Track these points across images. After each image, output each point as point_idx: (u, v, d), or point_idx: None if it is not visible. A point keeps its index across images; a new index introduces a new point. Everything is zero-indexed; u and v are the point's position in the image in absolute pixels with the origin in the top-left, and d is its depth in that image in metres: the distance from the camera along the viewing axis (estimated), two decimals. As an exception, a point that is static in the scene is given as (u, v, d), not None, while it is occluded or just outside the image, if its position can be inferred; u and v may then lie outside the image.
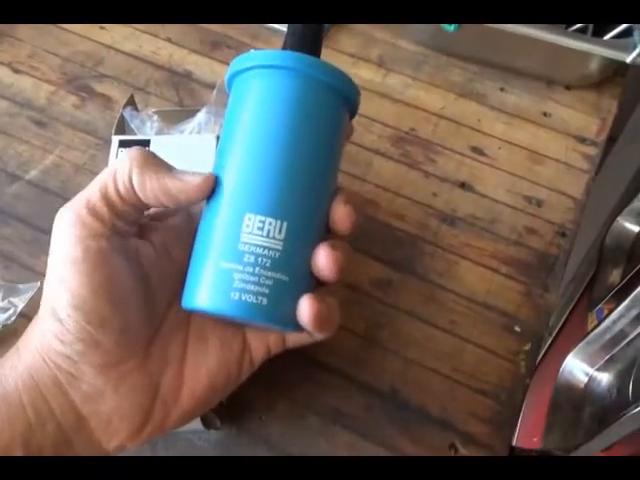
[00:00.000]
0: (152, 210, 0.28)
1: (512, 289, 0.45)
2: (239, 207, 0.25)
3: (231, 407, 0.38)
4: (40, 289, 0.42)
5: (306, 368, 0.41)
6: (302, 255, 0.26)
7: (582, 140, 0.53)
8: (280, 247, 0.25)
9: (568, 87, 0.56)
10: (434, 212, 0.49)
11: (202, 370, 0.27)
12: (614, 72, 0.56)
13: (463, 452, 0.39)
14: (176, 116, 0.45)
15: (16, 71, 0.56)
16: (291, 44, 0.28)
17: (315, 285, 0.27)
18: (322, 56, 0.29)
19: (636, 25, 0.50)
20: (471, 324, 0.43)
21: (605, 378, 0.76)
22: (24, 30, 0.59)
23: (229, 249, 0.25)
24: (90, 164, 0.50)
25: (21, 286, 0.43)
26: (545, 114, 0.55)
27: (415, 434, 0.39)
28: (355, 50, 0.58)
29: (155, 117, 0.44)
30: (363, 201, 0.49)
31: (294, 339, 0.29)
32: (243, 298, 0.25)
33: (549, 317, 0.44)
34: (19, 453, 0.24)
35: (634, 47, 0.48)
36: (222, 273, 0.25)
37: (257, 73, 0.27)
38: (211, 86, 0.55)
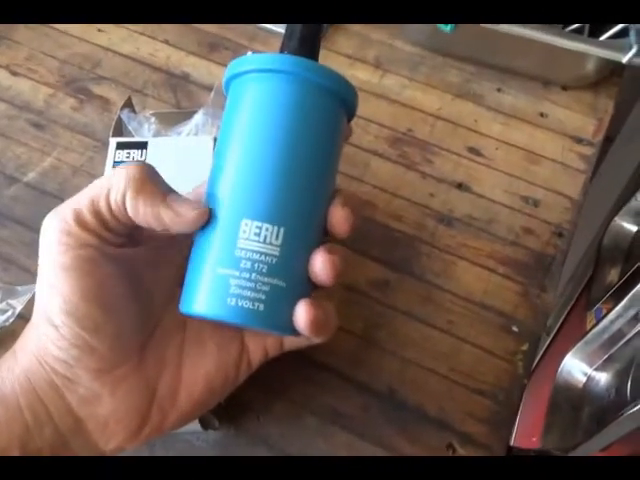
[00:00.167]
0: None
1: (509, 289, 0.45)
2: (236, 213, 0.25)
3: (229, 408, 0.38)
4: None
5: (304, 368, 0.41)
6: (299, 260, 0.26)
7: (579, 140, 0.53)
8: (277, 253, 0.25)
9: (565, 87, 0.56)
10: (431, 213, 0.49)
11: (199, 372, 0.27)
12: (610, 72, 0.56)
13: (461, 452, 0.39)
14: (173, 118, 0.45)
15: (14, 74, 0.56)
16: (289, 47, 0.28)
17: (312, 289, 0.27)
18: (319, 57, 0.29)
19: (632, 25, 0.50)
20: (468, 324, 0.43)
21: (603, 378, 0.76)
22: (21, 32, 0.59)
23: (226, 255, 0.25)
24: (88, 166, 0.51)
25: (19, 288, 0.43)
26: (542, 114, 0.55)
27: (413, 434, 0.39)
28: (352, 51, 0.59)
29: (152, 119, 0.44)
30: (361, 202, 0.49)
31: (292, 342, 0.29)
32: (240, 304, 0.25)
33: (546, 317, 0.45)
34: (16, 455, 0.24)
35: (630, 47, 0.49)
36: (219, 279, 0.25)
37: (255, 77, 0.27)
38: (208, 88, 0.55)
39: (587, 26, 0.57)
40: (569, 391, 0.78)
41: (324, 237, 0.27)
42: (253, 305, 0.25)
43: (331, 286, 0.26)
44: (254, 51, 0.27)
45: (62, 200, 0.25)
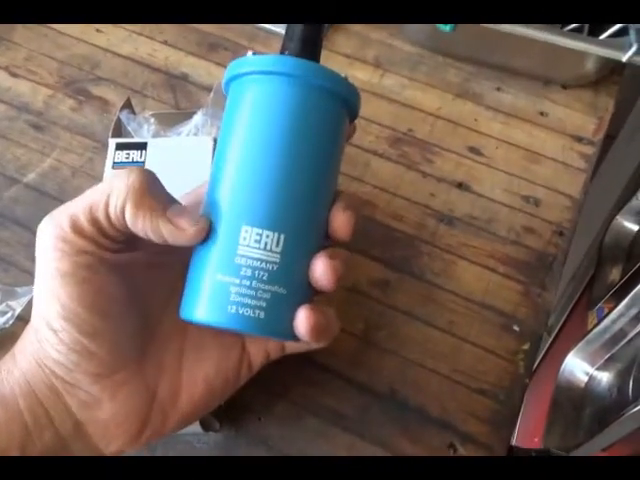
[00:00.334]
0: None
1: (510, 288, 0.45)
2: (236, 219, 0.25)
3: (230, 409, 0.38)
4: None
5: (305, 369, 0.41)
6: (300, 266, 0.25)
7: (579, 139, 0.53)
8: (277, 260, 0.25)
9: (564, 86, 0.56)
10: (432, 212, 0.49)
11: (200, 376, 0.27)
12: (611, 71, 0.56)
13: (462, 452, 0.39)
14: (173, 118, 0.45)
15: (13, 75, 0.56)
16: (290, 48, 0.27)
17: (312, 294, 0.26)
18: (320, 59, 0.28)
19: (631, 24, 0.50)
20: (469, 324, 0.43)
21: (605, 377, 0.76)
22: (20, 33, 0.59)
23: (226, 262, 0.25)
24: (87, 167, 0.50)
25: (19, 289, 0.43)
26: (542, 113, 0.55)
27: (414, 434, 0.39)
28: (351, 51, 0.58)
29: (152, 120, 0.44)
30: (361, 203, 0.49)
31: (293, 345, 0.29)
32: (240, 312, 0.24)
33: (547, 316, 0.44)
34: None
35: (630, 46, 0.48)
36: (219, 286, 0.25)
37: (256, 79, 0.26)
38: (208, 88, 0.55)
39: (586, 25, 0.57)
40: (571, 391, 0.78)
41: (325, 241, 0.27)
42: (254, 313, 0.24)
43: (332, 291, 0.26)
44: (254, 51, 0.26)
45: (62, 201, 0.25)
